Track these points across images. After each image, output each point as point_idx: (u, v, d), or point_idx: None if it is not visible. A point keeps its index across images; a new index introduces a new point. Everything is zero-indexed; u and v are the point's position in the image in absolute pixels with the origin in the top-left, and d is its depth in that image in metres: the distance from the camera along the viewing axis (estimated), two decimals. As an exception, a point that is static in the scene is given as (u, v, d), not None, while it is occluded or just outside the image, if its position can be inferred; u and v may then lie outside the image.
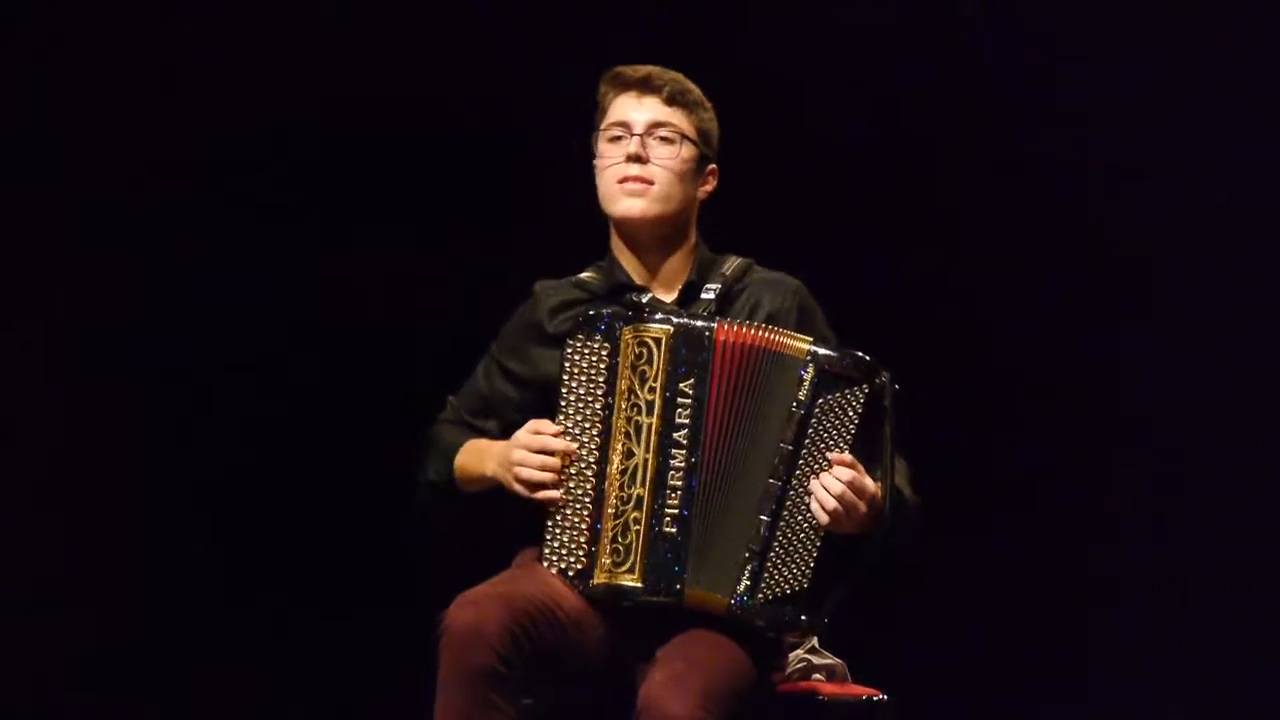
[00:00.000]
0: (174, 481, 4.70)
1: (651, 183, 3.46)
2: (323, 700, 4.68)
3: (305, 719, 4.71)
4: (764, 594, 3.29)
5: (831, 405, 3.30)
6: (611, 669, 3.35)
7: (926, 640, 4.60)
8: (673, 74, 3.52)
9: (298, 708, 4.69)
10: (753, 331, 3.34)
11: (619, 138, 3.49)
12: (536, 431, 3.38)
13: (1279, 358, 4.60)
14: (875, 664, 3.59)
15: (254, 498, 4.72)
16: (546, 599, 3.26)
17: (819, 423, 3.30)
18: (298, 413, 4.72)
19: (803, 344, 3.32)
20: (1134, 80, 4.64)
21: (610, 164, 3.48)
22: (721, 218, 3.60)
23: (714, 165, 3.55)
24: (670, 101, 3.49)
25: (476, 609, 3.19)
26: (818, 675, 3.54)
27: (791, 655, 3.54)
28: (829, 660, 3.56)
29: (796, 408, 3.30)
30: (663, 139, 3.48)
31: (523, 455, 3.36)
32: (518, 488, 3.37)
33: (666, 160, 3.47)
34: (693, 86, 3.53)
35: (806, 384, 3.29)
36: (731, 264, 3.54)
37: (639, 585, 3.31)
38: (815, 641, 3.57)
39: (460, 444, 3.50)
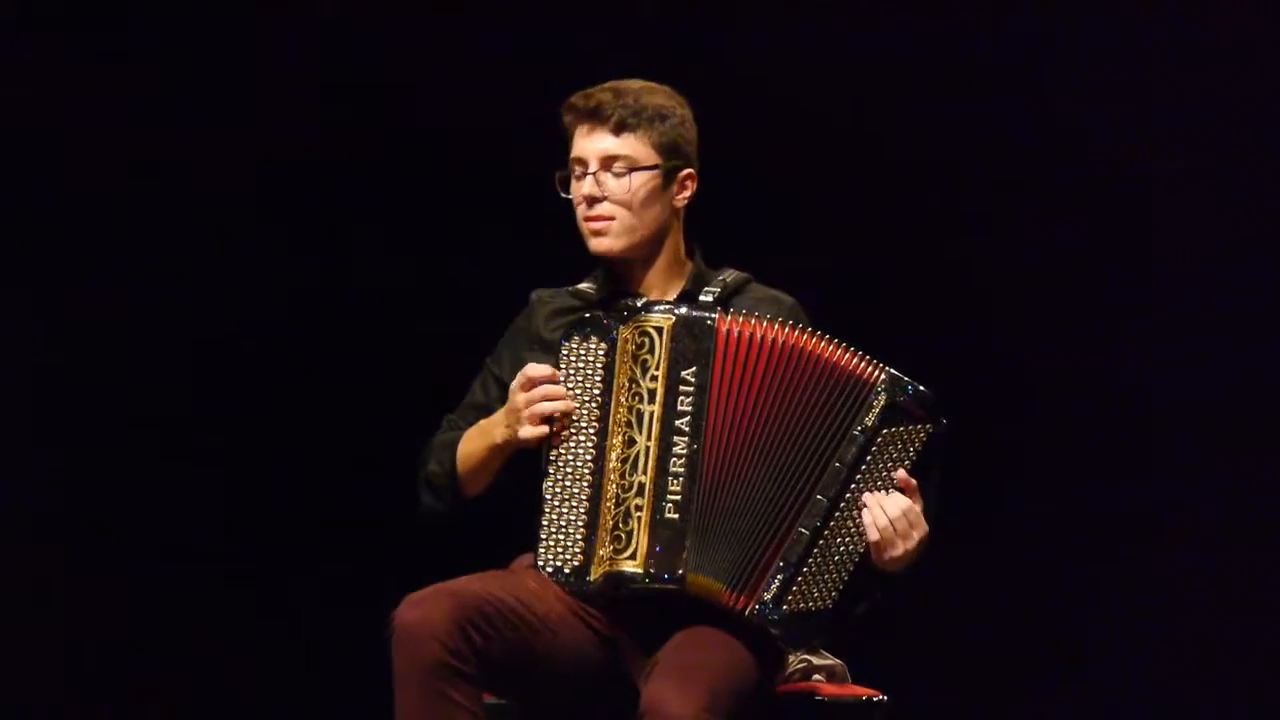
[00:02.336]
0: (173, 479, 4.72)
1: (612, 218, 3.44)
2: (319, 700, 4.69)
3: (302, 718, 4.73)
4: (789, 606, 3.29)
5: (894, 438, 3.29)
6: (606, 672, 3.34)
7: (926, 640, 4.61)
8: (626, 95, 3.45)
9: (296, 707, 4.70)
10: (807, 339, 3.31)
11: (579, 174, 3.46)
12: (527, 374, 3.36)
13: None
14: (875, 664, 3.59)
15: (251, 497, 4.73)
16: (510, 598, 3.26)
17: (880, 451, 3.29)
18: (298, 406, 4.74)
19: (876, 369, 3.30)
20: (1132, 69, 4.65)
21: (576, 204, 3.47)
22: (714, 226, 3.60)
23: (690, 170, 3.50)
24: (619, 129, 3.43)
25: (421, 606, 3.20)
26: (818, 676, 3.54)
27: (792, 656, 3.54)
28: (829, 661, 3.56)
29: (860, 432, 3.28)
30: (615, 173, 3.44)
31: (527, 396, 3.34)
32: (527, 431, 3.35)
33: (619, 195, 3.44)
34: (649, 101, 3.45)
35: (875, 411, 3.28)
36: (730, 275, 3.53)
37: (640, 571, 3.29)
38: (815, 642, 3.58)
39: (459, 437, 3.49)
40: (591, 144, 3.45)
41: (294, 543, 4.73)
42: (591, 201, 3.44)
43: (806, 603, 3.29)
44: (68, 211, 4.68)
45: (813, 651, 3.55)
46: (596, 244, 3.46)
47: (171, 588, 4.70)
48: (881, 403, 3.28)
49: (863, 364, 3.31)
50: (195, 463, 4.74)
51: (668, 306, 3.37)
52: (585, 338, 3.37)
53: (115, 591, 4.68)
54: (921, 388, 3.31)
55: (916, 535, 3.27)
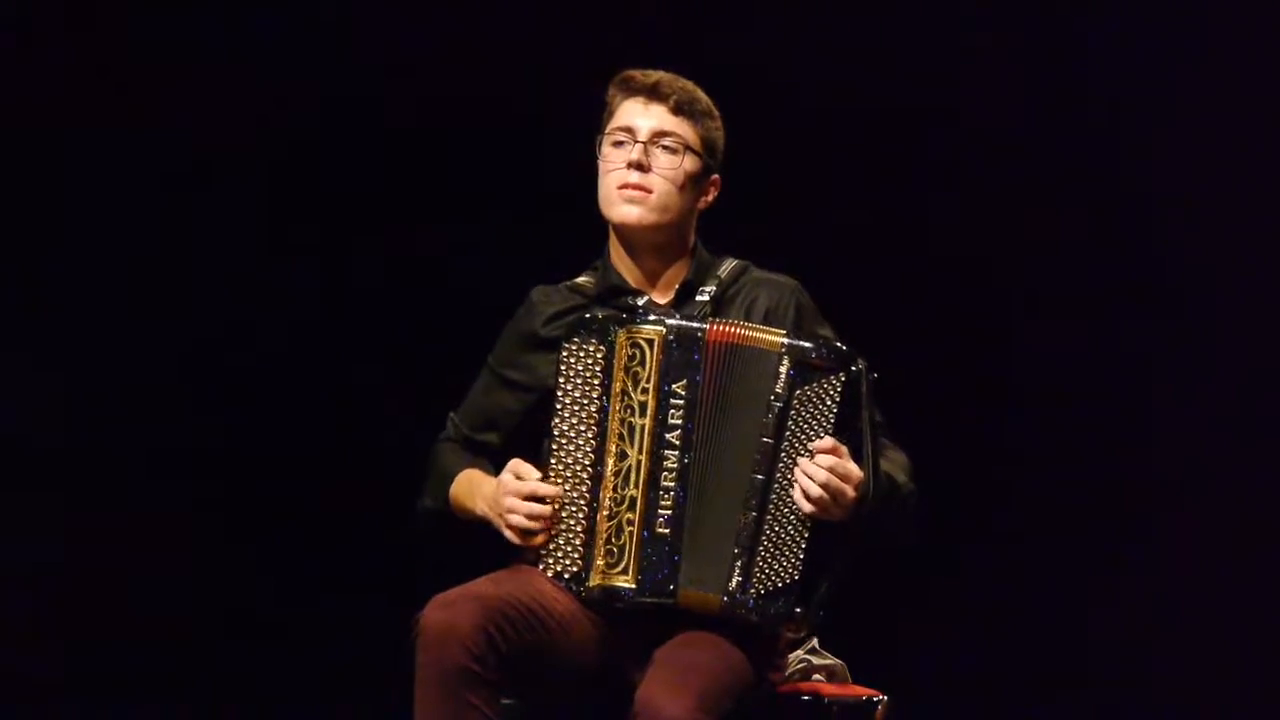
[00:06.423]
0: (174, 477, 4.73)
1: (650, 191, 3.45)
2: (336, 698, 4.70)
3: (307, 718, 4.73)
4: (755, 589, 3.29)
5: (809, 395, 3.31)
6: (606, 671, 3.35)
7: (926, 640, 4.61)
8: (682, 83, 3.51)
9: (314, 704, 4.71)
10: (733, 329, 3.36)
11: (622, 143, 3.48)
12: (519, 476, 3.38)
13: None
14: (875, 664, 3.59)
15: (252, 494, 4.74)
16: (531, 600, 3.28)
17: (798, 414, 3.31)
18: (309, 403, 4.75)
19: (777, 337, 3.34)
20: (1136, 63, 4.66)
21: (612, 168, 3.48)
22: (719, 216, 3.60)
23: (716, 176, 3.54)
24: (677, 111, 3.48)
25: (450, 609, 3.21)
26: (818, 676, 3.54)
27: (791, 656, 3.54)
28: (829, 661, 3.56)
29: (775, 400, 3.31)
30: (665, 148, 3.47)
31: (512, 503, 3.37)
32: (508, 534, 3.38)
33: (667, 170, 3.46)
34: (701, 96, 3.51)
35: (783, 376, 3.31)
36: (728, 266, 3.55)
37: (633, 586, 3.32)
38: (815, 642, 3.58)
39: (456, 472, 3.51)
40: (646, 117, 3.48)
41: (308, 538, 4.73)
42: (637, 168, 3.46)
43: (772, 581, 3.29)
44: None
45: (813, 651, 3.56)
46: (625, 212, 3.47)
47: (190, 584, 4.71)
48: (787, 366, 3.31)
49: (767, 335, 3.35)
50: (208, 461, 4.74)
51: (659, 316, 3.39)
52: (585, 340, 3.38)
53: (123, 588, 4.68)
54: (829, 340, 3.36)
55: (850, 489, 3.28)
